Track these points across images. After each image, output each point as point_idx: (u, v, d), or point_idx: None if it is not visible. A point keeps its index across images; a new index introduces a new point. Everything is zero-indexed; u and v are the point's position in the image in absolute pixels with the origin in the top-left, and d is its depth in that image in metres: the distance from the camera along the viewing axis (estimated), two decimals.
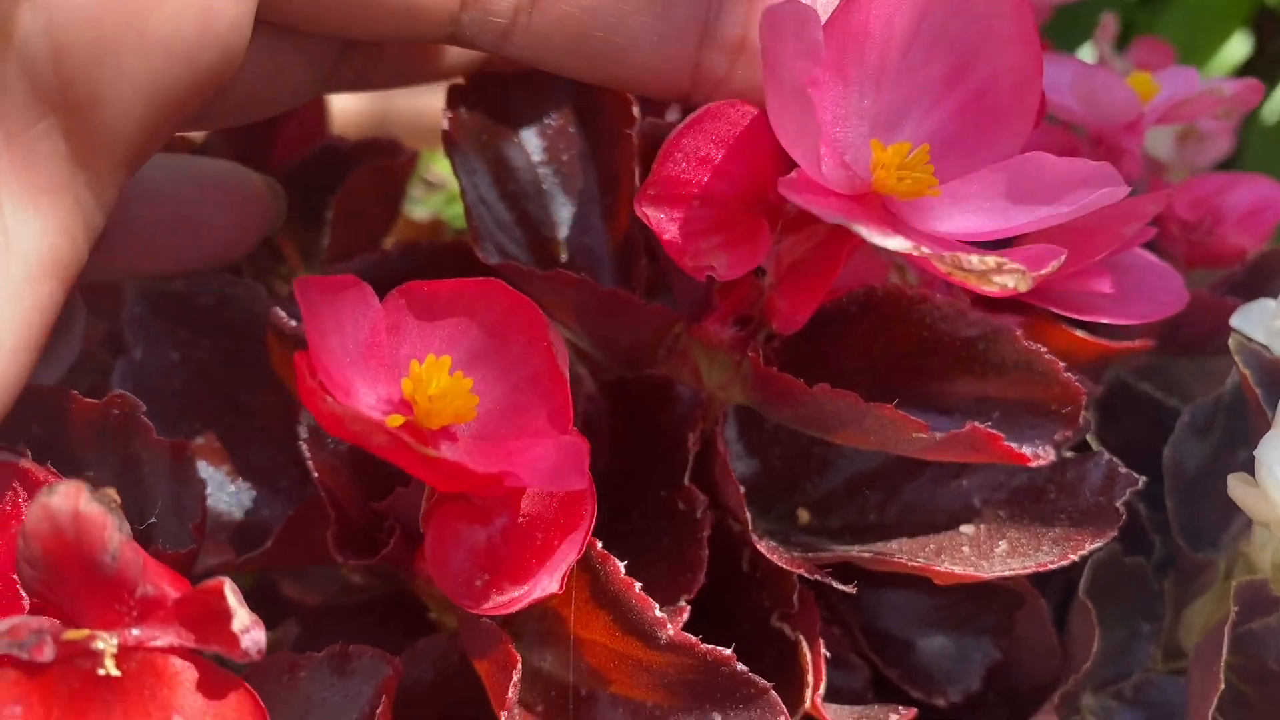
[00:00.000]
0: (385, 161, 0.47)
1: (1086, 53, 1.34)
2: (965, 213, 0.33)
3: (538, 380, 0.31)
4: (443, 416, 0.29)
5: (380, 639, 0.41)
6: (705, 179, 0.33)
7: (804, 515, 0.43)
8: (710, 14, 0.33)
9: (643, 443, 0.43)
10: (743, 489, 0.37)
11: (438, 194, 0.90)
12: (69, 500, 0.26)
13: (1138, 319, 0.37)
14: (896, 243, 0.30)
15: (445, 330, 0.31)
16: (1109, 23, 0.57)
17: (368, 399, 0.30)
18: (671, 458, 0.40)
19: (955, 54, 0.33)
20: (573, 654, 0.35)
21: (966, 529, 0.40)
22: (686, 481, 0.39)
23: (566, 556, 0.31)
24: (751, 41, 0.33)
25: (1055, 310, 0.37)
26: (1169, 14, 1.33)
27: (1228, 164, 1.41)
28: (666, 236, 0.32)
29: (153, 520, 0.35)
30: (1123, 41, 1.37)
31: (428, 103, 0.73)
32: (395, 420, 0.29)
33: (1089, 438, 0.48)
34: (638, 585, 0.32)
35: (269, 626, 0.49)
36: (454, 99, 0.39)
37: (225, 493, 0.41)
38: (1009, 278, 0.30)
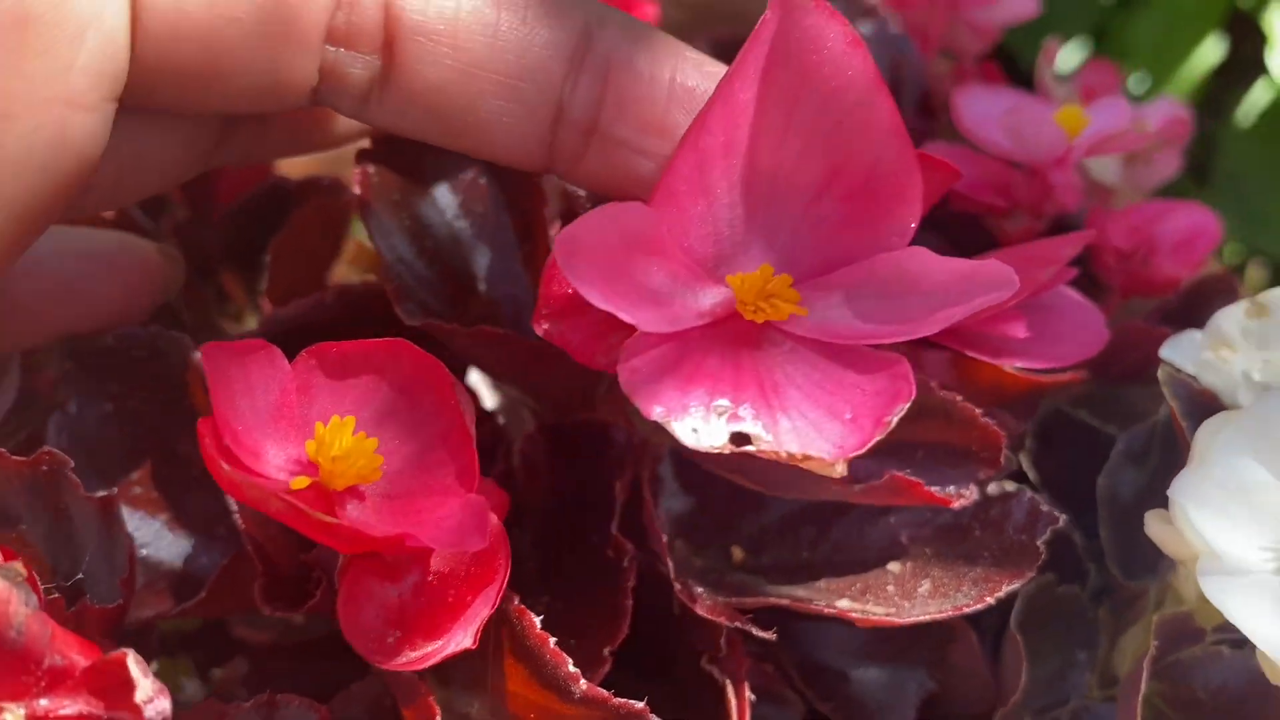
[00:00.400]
0: (327, 201, 0.48)
1: (1067, 56, 1.35)
2: (839, 321, 0.33)
3: (446, 438, 0.31)
4: (346, 478, 0.30)
5: (324, 678, 0.42)
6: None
7: (738, 553, 0.44)
8: (564, 96, 0.33)
9: (580, 486, 0.44)
10: (665, 537, 0.38)
11: None
12: None
13: (1055, 362, 0.38)
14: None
15: (356, 390, 0.31)
16: (1051, 48, 0.57)
17: (277, 460, 0.30)
18: (602, 504, 0.40)
19: (825, 157, 0.33)
20: (497, 703, 0.36)
21: (893, 566, 0.41)
22: (614, 530, 0.39)
23: (480, 612, 0.32)
24: (603, 125, 0.33)
25: (971, 354, 0.37)
26: (1142, 17, 1.33)
27: (1203, 168, 1.42)
28: (570, 349, 0.33)
29: (80, 575, 0.35)
30: (1099, 45, 1.38)
31: None
32: (301, 482, 0.30)
33: (1025, 468, 0.49)
34: (552, 640, 0.33)
35: (219, 663, 0.50)
36: (363, 160, 0.39)
37: (163, 542, 0.41)
38: (818, 465, 0.30)
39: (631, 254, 0.31)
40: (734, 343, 0.32)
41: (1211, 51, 1.31)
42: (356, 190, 0.39)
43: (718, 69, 0.33)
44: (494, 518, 0.32)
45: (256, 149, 0.38)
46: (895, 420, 0.31)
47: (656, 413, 0.30)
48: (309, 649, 0.46)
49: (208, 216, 0.51)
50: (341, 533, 0.28)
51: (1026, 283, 0.37)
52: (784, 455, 0.30)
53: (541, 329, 0.33)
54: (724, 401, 0.31)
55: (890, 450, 0.39)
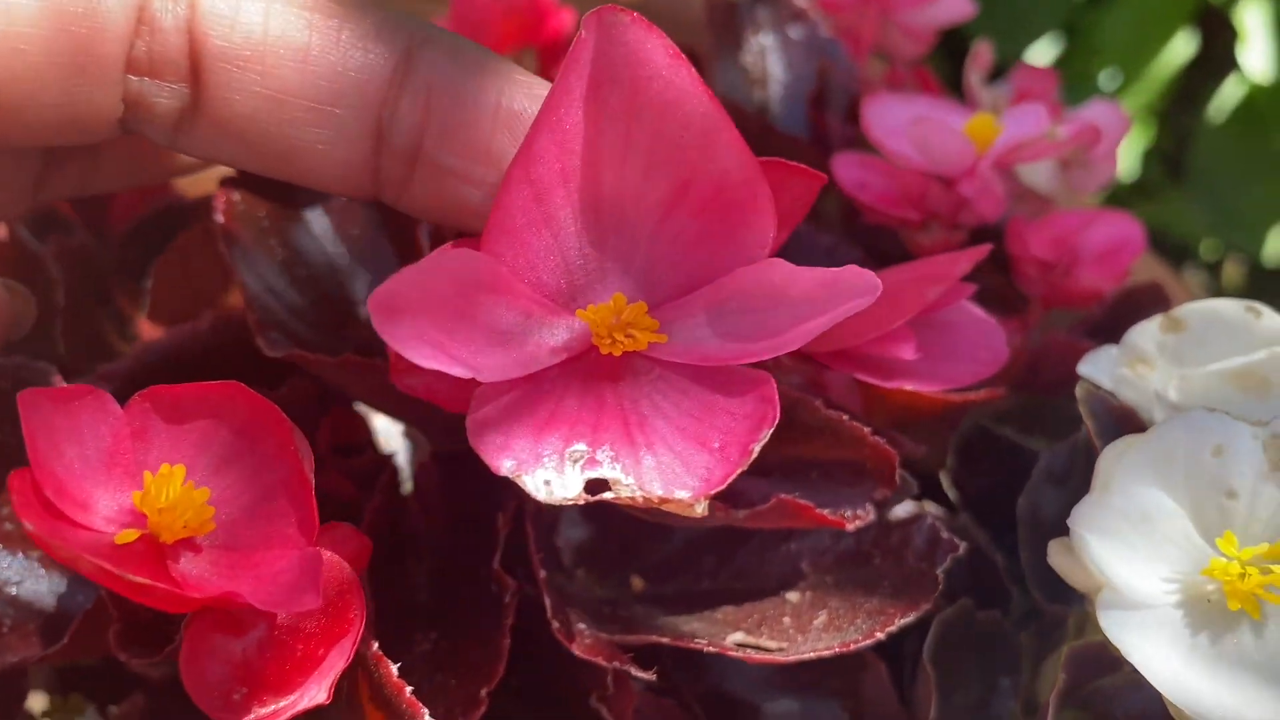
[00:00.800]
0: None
1: (1038, 52, 1.33)
2: (703, 342, 0.31)
3: (286, 486, 0.30)
4: (174, 530, 0.28)
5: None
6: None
7: (638, 583, 0.42)
8: (384, 121, 0.32)
9: (474, 516, 0.42)
10: (544, 572, 0.36)
11: None
12: None
13: (950, 383, 0.36)
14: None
15: (193, 435, 0.30)
16: (982, 51, 0.55)
17: (108, 511, 0.29)
18: (491, 535, 0.39)
19: (670, 174, 0.31)
20: None
21: (792, 596, 0.39)
22: (496, 565, 0.38)
23: (335, 664, 0.30)
24: (426, 151, 0.32)
25: (861, 377, 0.36)
26: (1112, 14, 1.31)
27: (1177, 165, 1.40)
28: (438, 400, 0.31)
29: None
30: (1072, 41, 1.37)
31: None
32: (129, 535, 0.28)
33: (946, 487, 0.47)
34: (408, 689, 0.31)
35: (116, 700, 0.49)
36: (228, 185, 0.38)
37: (34, 579, 0.40)
38: (677, 506, 0.29)
39: (472, 300, 0.29)
40: (595, 378, 0.31)
41: (1182, 48, 1.30)
42: (219, 218, 0.37)
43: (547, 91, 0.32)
44: (345, 567, 0.30)
45: (92, 180, 0.36)
46: (759, 447, 0.30)
47: (506, 467, 0.29)
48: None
49: (102, 237, 0.49)
50: (158, 593, 0.27)
51: (914, 301, 0.35)
52: (640, 500, 0.29)
53: (405, 386, 0.31)
54: (581, 446, 0.30)
55: (784, 473, 0.38)
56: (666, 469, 0.30)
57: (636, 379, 0.31)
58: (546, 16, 0.56)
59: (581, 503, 0.29)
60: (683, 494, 0.29)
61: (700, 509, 0.29)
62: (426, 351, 0.28)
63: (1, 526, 0.40)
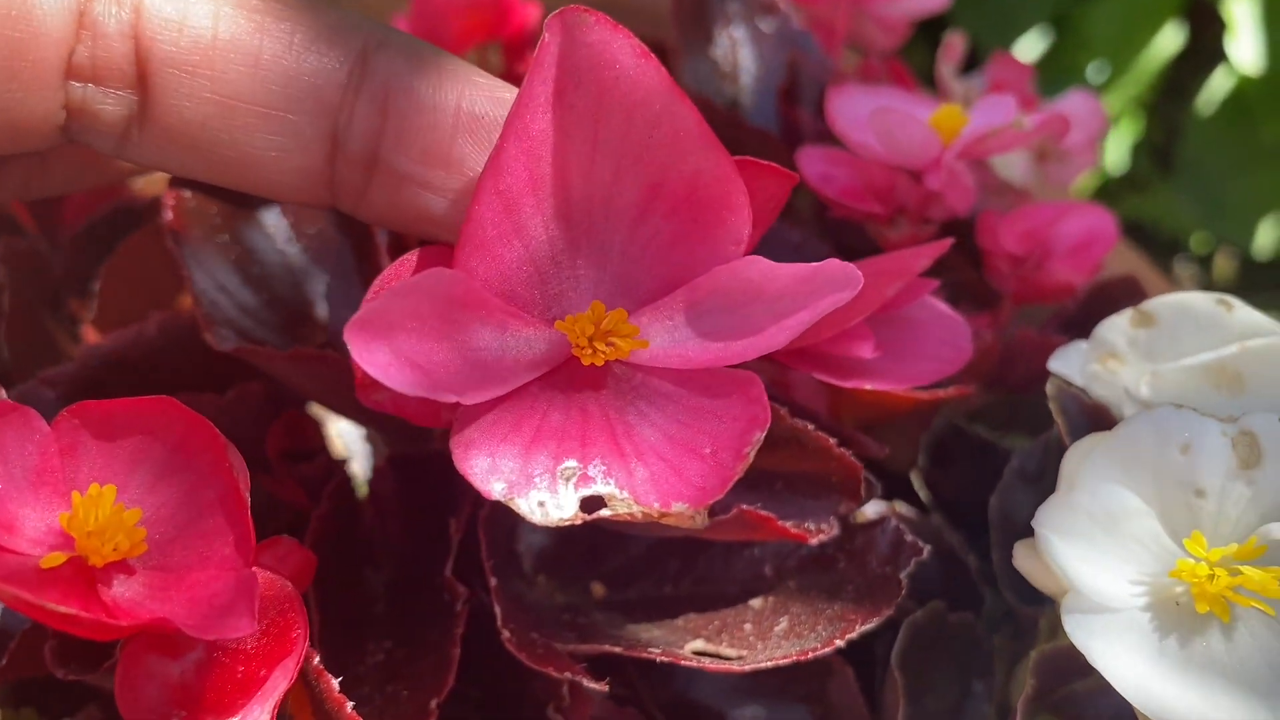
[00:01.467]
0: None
1: (1026, 46, 1.32)
2: (686, 343, 0.30)
3: (223, 504, 0.29)
4: (104, 554, 0.27)
5: None
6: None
7: (598, 589, 0.41)
8: (340, 128, 0.31)
9: (429, 522, 0.41)
10: (495, 580, 0.35)
11: None
12: None
13: (911, 381, 0.35)
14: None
15: (125, 452, 0.29)
16: (954, 43, 0.54)
17: (35, 532, 0.28)
18: (443, 542, 0.38)
19: (641, 176, 0.30)
20: None
21: (755, 602, 0.38)
22: (448, 572, 0.37)
23: (278, 685, 0.29)
24: (384, 158, 0.31)
25: (820, 377, 0.35)
26: (1102, 6, 1.30)
27: (1167, 156, 1.39)
28: (408, 415, 0.31)
29: None
30: (1060, 34, 1.36)
31: None
32: (55, 559, 0.27)
33: (917, 487, 0.46)
34: (349, 705, 0.30)
35: (71, 712, 0.47)
36: (177, 185, 0.37)
37: None
38: (677, 519, 0.28)
39: (452, 321, 0.28)
40: (577, 389, 0.30)
41: (1170, 40, 1.29)
42: (168, 215, 0.36)
43: (510, 94, 0.31)
44: (286, 585, 0.29)
45: (40, 184, 0.35)
46: (753, 451, 0.29)
47: (497, 490, 0.28)
48: None
49: (53, 239, 0.48)
50: (84, 623, 0.25)
51: (873, 298, 0.34)
52: (640, 515, 0.28)
53: (371, 401, 0.30)
54: (571, 463, 0.29)
55: (748, 483, 0.37)
56: (660, 479, 0.29)
57: (619, 387, 0.30)
58: (510, 11, 0.55)
59: (579, 523, 0.28)
60: (681, 506, 0.28)
61: (700, 520, 0.28)
62: (409, 377, 0.27)
63: None
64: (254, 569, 0.28)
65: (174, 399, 0.29)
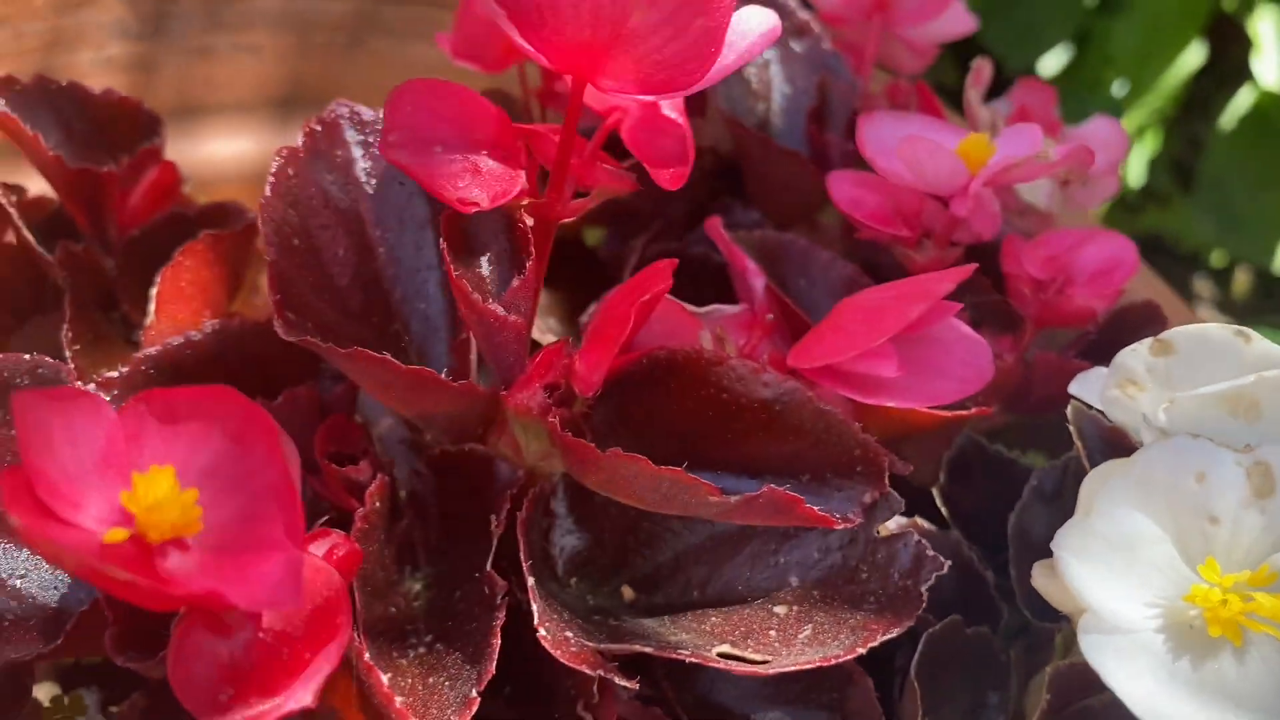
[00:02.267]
0: (223, 231, 0.47)
1: (1049, 61, 1.33)
2: None
3: (275, 491, 0.30)
4: (161, 530, 0.29)
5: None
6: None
7: (628, 592, 0.43)
8: None
9: (467, 519, 0.43)
10: (532, 580, 0.37)
11: None
12: None
13: (933, 400, 0.37)
14: None
15: (185, 438, 0.30)
16: (983, 69, 0.56)
17: (99, 511, 0.29)
18: (484, 539, 0.40)
19: None
20: None
21: (779, 609, 0.40)
22: (488, 567, 0.38)
23: (322, 669, 0.31)
24: None
25: (844, 394, 0.36)
26: (1124, 21, 1.30)
27: (1188, 173, 1.39)
28: (423, 178, 0.33)
29: None
30: (1081, 48, 1.36)
31: None
32: (119, 534, 0.29)
33: (939, 503, 0.48)
34: (399, 699, 0.32)
35: (116, 701, 0.49)
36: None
37: (35, 574, 0.40)
38: None
39: None
40: None
41: (1193, 57, 1.29)
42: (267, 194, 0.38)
43: None
44: (333, 573, 0.31)
45: None
46: None
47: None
48: None
49: (108, 244, 0.50)
50: (142, 589, 0.27)
51: (897, 319, 0.36)
52: None
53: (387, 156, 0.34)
54: None
55: (775, 473, 0.38)
56: None
57: None
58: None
59: None
60: None
61: None
62: None
63: (7, 521, 0.41)
64: (301, 552, 0.30)
65: (234, 389, 0.30)
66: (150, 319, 0.44)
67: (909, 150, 0.42)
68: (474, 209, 0.38)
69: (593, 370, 0.36)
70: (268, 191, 0.40)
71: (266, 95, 0.70)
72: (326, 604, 0.31)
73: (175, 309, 0.45)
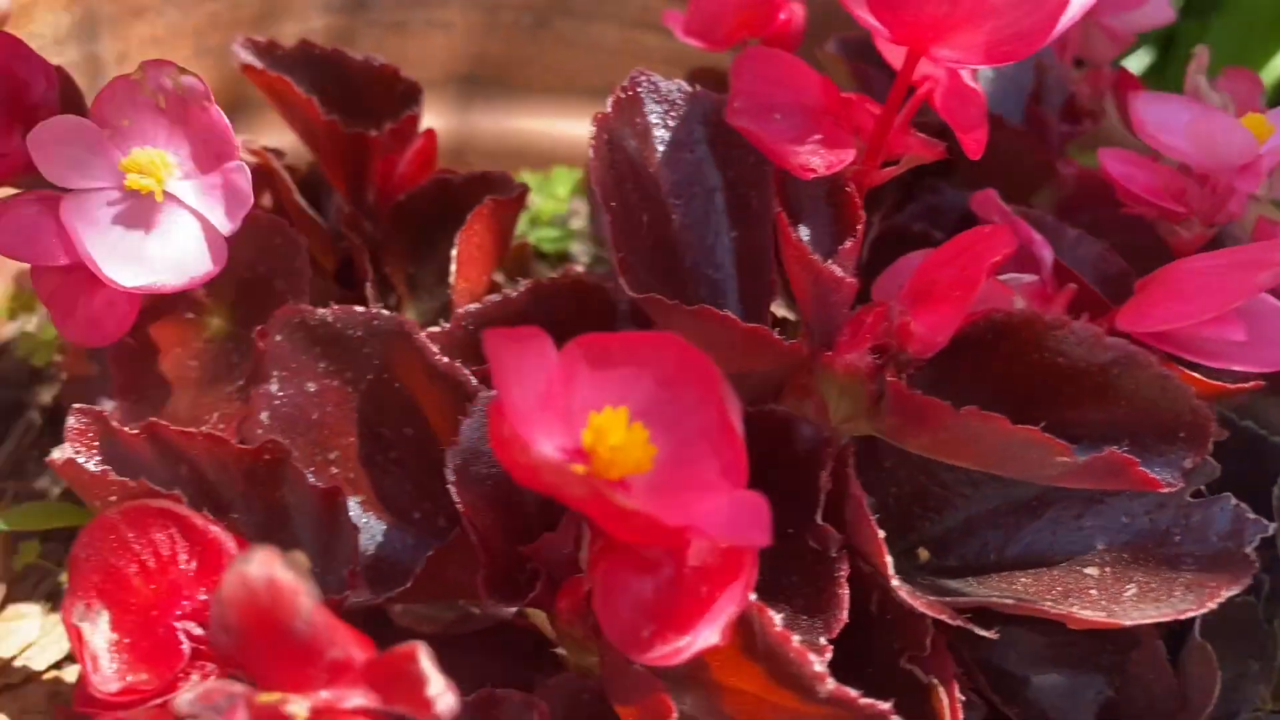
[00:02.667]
0: (501, 197, 0.48)
1: (1132, 63, 1.34)
2: None
3: (709, 434, 0.31)
4: (622, 468, 0.29)
5: (502, 671, 0.41)
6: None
7: (924, 553, 0.44)
8: None
9: (765, 480, 0.43)
10: (882, 532, 0.38)
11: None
12: (264, 568, 0.26)
13: (1266, 366, 0.38)
14: None
15: (617, 382, 0.31)
16: (1203, 54, 0.57)
17: (546, 448, 0.30)
18: (799, 496, 0.40)
19: None
20: (712, 701, 0.36)
21: (1090, 570, 0.41)
22: (819, 520, 0.39)
23: (726, 608, 0.32)
24: None
25: (1187, 357, 0.37)
26: (1216, 25, 1.32)
27: None
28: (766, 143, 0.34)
29: None
30: (1166, 54, 1.37)
31: (510, 125, 0.74)
32: (576, 470, 0.29)
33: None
34: (796, 638, 0.33)
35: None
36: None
37: (360, 525, 0.41)
38: None
39: None
40: None
41: None
42: (592, 156, 0.40)
43: None
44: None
45: None
46: None
47: None
48: (479, 642, 0.46)
49: (365, 209, 0.51)
50: (636, 520, 0.28)
51: (1245, 285, 0.37)
52: None
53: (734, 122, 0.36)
54: None
55: (1096, 438, 0.39)
56: None
57: None
58: (777, 10, 0.57)
59: None
60: None
61: None
62: None
63: (328, 472, 0.41)
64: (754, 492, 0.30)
65: (673, 335, 0.31)
66: (453, 279, 0.44)
67: (1200, 126, 0.43)
68: (812, 175, 0.39)
69: (935, 331, 0.37)
70: (591, 155, 0.40)
71: (450, 71, 0.71)
72: (736, 547, 0.32)
73: (469, 270, 0.45)
